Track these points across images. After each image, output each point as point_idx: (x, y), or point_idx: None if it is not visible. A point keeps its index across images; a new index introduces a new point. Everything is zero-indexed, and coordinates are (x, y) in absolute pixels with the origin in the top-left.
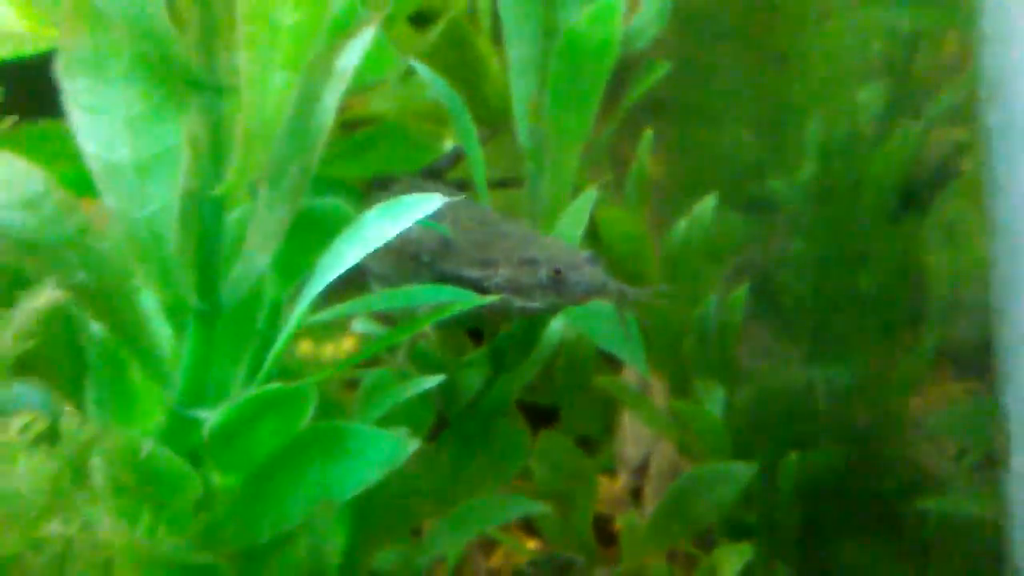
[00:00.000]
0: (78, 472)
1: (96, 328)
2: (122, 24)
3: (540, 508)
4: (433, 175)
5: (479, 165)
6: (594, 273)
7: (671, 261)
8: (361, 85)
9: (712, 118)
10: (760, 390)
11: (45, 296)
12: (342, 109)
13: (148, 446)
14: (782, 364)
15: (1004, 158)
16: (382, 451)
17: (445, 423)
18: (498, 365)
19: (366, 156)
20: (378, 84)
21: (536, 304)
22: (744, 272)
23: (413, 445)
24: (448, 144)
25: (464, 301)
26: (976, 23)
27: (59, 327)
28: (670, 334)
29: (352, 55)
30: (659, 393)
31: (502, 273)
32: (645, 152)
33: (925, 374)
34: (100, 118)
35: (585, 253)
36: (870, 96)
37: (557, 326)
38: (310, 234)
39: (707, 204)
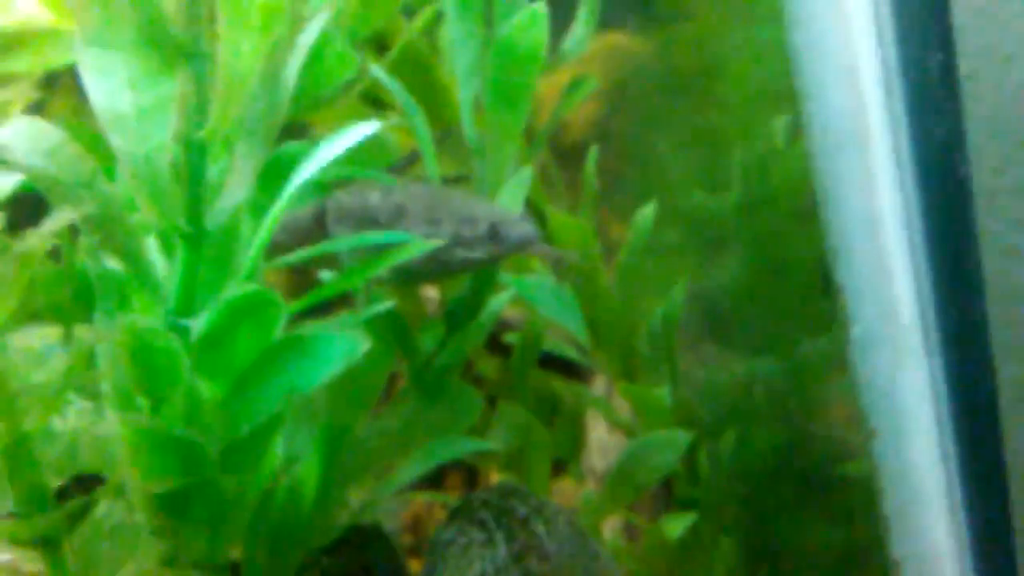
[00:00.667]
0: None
1: (101, 261)
2: (123, 3)
3: (491, 445)
4: (393, 173)
5: (432, 163)
6: (526, 228)
7: (618, 265)
8: (331, 83)
9: (651, 152)
10: (701, 384)
11: (62, 218)
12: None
13: (144, 322)
14: (721, 363)
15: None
16: (342, 349)
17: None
18: (451, 327)
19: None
20: (347, 90)
21: (476, 255)
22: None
23: (367, 344)
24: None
25: (412, 245)
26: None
27: (68, 283)
28: (621, 336)
29: (310, 33)
30: (621, 404)
31: (446, 228)
32: (591, 164)
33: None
34: (107, 78)
35: (518, 213)
36: (782, 121)
37: (501, 297)
38: (278, 178)
39: (647, 212)
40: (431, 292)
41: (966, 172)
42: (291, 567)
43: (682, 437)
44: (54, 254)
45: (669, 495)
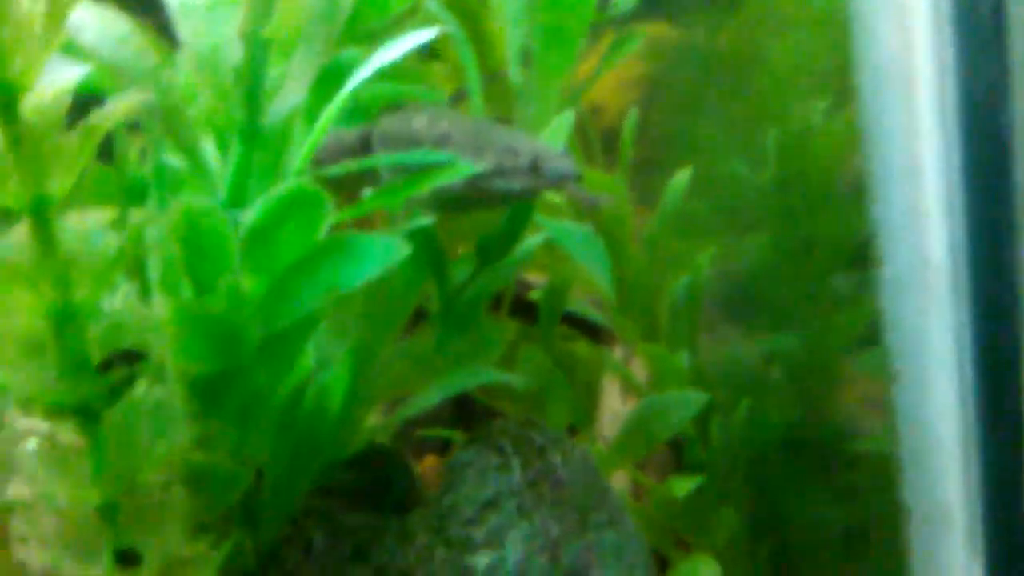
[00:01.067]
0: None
1: (159, 152)
2: None
3: (512, 378)
4: None
5: (478, 102)
6: (567, 163)
7: (648, 231)
8: (388, 10)
9: (687, 141)
10: (720, 357)
11: (127, 101)
12: None
13: (198, 203)
14: (740, 338)
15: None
16: (382, 252)
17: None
18: (484, 260)
19: (386, 91)
20: (401, 18)
21: (516, 186)
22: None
23: (406, 249)
24: None
25: (454, 168)
26: None
27: (118, 182)
28: (644, 299)
29: None
30: (638, 372)
31: (489, 158)
32: (630, 128)
33: (860, 339)
34: None
35: (560, 149)
36: (818, 104)
37: (534, 239)
38: (333, 86)
39: (681, 179)
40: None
41: (1008, 122)
42: (312, 473)
43: (696, 397)
44: (104, 156)
45: (678, 460)
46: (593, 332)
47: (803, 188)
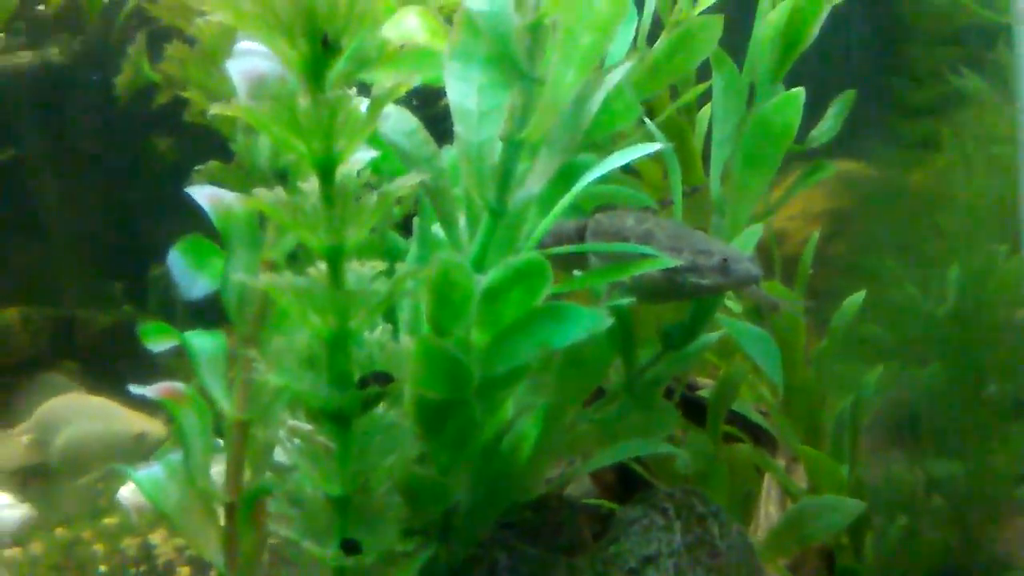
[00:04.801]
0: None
1: (427, 222)
2: (485, 31)
3: (678, 452)
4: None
5: (679, 211)
6: (753, 267)
7: (819, 347)
8: (614, 127)
9: (867, 274)
10: (881, 475)
11: (411, 179)
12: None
13: (453, 258)
14: (904, 458)
15: None
16: (588, 320)
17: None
18: (667, 346)
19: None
20: (624, 134)
21: (706, 282)
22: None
23: (609, 320)
24: None
25: (655, 261)
26: None
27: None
28: (809, 407)
29: (616, 75)
30: (798, 479)
31: (685, 256)
32: (809, 251)
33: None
34: (463, 83)
35: (748, 254)
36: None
37: (712, 335)
38: (566, 183)
39: (855, 299)
40: None
41: None
42: (501, 505)
43: (853, 504)
44: None
45: (830, 570)
46: (756, 437)
47: (979, 324)
